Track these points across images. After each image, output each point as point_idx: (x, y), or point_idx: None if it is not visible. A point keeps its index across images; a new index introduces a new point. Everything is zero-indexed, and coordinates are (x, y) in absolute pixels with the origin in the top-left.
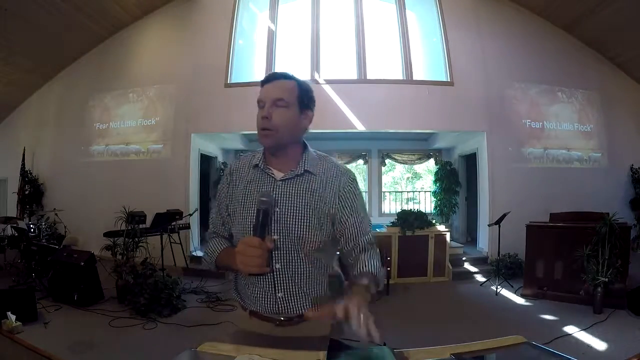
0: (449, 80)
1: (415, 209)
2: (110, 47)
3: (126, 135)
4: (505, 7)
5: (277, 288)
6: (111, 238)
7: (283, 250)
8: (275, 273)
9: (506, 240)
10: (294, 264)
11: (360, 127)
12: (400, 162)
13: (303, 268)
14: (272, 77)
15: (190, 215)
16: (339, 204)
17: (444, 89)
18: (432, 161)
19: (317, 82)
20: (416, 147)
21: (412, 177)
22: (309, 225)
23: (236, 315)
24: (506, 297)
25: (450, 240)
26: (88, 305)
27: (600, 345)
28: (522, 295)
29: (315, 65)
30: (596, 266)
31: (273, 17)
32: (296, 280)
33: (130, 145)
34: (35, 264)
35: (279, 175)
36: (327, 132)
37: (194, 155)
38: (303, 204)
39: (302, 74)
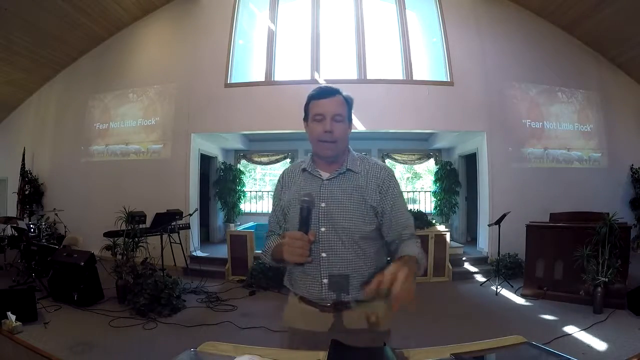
0: (449, 80)
1: (415, 209)
2: (110, 47)
3: (126, 135)
4: (505, 7)
5: (322, 274)
6: (111, 238)
7: (329, 241)
8: (321, 261)
9: (506, 240)
10: (338, 253)
11: (360, 127)
12: (400, 162)
13: (347, 257)
14: (330, 93)
15: (190, 215)
16: (379, 197)
17: (444, 89)
18: (432, 161)
19: (317, 82)
20: (416, 147)
21: (412, 177)
22: (352, 218)
23: (288, 303)
24: (506, 297)
25: (450, 240)
26: (88, 305)
27: (600, 345)
28: (522, 295)
29: (315, 65)
30: (596, 266)
31: (273, 17)
32: (340, 269)
33: (130, 145)
34: (35, 264)
35: (325, 175)
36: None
37: (194, 155)
38: (347, 199)
39: (302, 73)
